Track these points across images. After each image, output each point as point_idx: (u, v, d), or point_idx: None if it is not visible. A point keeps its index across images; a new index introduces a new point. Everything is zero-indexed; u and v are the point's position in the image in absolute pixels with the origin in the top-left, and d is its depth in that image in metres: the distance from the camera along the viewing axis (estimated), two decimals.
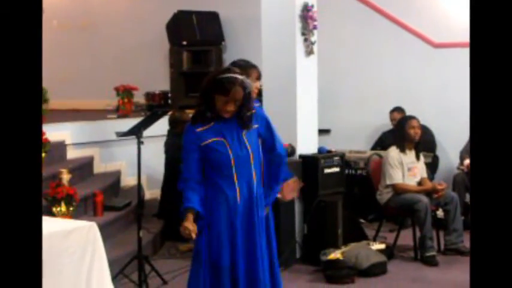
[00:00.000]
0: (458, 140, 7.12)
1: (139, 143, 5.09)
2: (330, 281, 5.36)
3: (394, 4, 8.20)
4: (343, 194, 6.13)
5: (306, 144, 6.08)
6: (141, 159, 5.12)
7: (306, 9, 5.93)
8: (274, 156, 3.73)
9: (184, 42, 8.86)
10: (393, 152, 6.13)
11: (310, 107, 6.14)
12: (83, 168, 6.72)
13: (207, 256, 3.57)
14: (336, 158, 6.15)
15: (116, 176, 7.22)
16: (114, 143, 7.20)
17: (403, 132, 6.18)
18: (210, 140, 3.54)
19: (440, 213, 6.26)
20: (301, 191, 5.81)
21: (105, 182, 6.69)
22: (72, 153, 6.89)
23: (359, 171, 7.42)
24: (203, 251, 3.58)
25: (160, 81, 9.09)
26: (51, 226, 3.59)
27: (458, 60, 7.38)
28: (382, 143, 7.76)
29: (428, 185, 6.18)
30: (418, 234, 5.94)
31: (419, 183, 6.19)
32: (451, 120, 7.67)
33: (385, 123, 7.94)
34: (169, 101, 8.69)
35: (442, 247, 6.13)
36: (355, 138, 8.21)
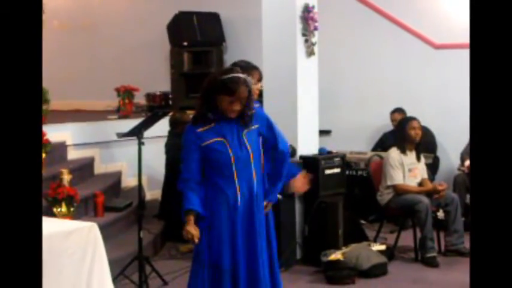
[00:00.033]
0: (459, 141, 7.12)
1: (140, 143, 5.09)
2: (331, 281, 5.36)
3: (394, 5, 8.20)
4: (343, 195, 6.13)
5: (307, 145, 6.08)
6: (141, 159, 5.12)
7: (307, 10, 5.93)
8: (277, 154, 3.76)
9: (185, 43, 8.85)
10: (394, 152, 6.13)
11: (310, 107, 6.14)
12: (84, 169, 6.72)
13: (208, 257, 3.58)
14: (337, 159, 6.15)
15: (117, 176, 7.22)
16: (114, 144, 7.20)
17: (404, 133, 6.18)
18: (210, 141, 3.55)
19: (440, 214, 6.25)
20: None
21: (105, 183, 6.69)
22: (72, 154, 6.89)
23: (360, 172, 7.42)
24: (203, 252, 3.58)
25: (161, 82, 9.09)
26: (51, 227, 3.59)
27: (459, 61, 7.38)
28: (383, 144, 7.76)
29: (429, 185, 6.17)
30: (418, 235, 5.94)
31: (420, 184, 6.19)
32: (451, 121, 7.67)
33: (385, 124, 7.94)
34: (170, 102, 8.70)
35: (443, 248, 6.12)
36: (355, 139, 8.21)
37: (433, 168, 7.36)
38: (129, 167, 7.30)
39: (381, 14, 8.24)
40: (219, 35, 9.07)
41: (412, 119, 6.29)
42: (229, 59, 8.73)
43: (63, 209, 5.27)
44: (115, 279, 4.54)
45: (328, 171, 6.01)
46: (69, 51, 10.17)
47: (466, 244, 5.93)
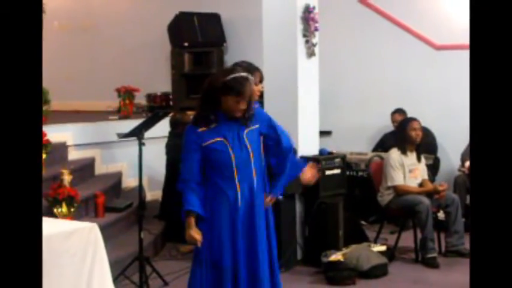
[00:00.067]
0: (460, 141, 7.11)
1: (141, 144, 5.09)
2: (331, 282, 5.36)
3: (395, 6, 8.20)
4: (344, 196, 6.13)
5: (307, 145, 6.07)
6: (142, 160, 5.12)
7: (308, 10, 5.93)
8: (281, 149, 3.77)
9: (186, 44, 8.86)
10: (394, 153, 6.13)
11: (311, 108, 6.14)
12: (84, 169, 6.72)
13: (208, 256, 3.58)
14: (337, 159, 6.15)
15: (117, 177, 7.22)
16: (115, 144, 7.20)
17: (404, 134, 6.17)
18: (211, 141, 3.56)
19: (441, 215, 6.25)
20: (302, 193, 5.88)
21: (106, 183, 6.70)
22: (73, 155, 6.89)
23: (360, 173, 7.42)
24: (204, 252, 3.59)
25: (161, 82, 9.10)
26: (52, 227, 3.59)
27: (460, 62, 7.37)
28: (384, 144, 7.76)
29: (430, 186, 6.17)
30: (419, 236, 5.93)
31: (421, 185, 6.18)
32: (452, 122, 7.67)
33: (386, 125, 7.94)
34: (171, 103, 8.70)
35: (443, 249, 6.12)
36: (356, 140, 8.21)
37: (433, 169, 7.36)
38: (130, 168, 7.30)
39: (382, 15, 8.24)
40: (219, 36, 9.07)
41: (413, 119, 6.29)
42: (229, 59, 8.73)
43: (64, 209, 5.27)
44: (115, 280, 4.54)
45: (328, 172, 6.01)
46: (70, 52, 10.19)
47: (467, 245, 5.93)
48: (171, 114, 6.81)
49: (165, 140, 6.86)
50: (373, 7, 8.28)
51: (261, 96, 5.38)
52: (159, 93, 8.76)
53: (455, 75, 7.65)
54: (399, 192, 6.04)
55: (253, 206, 3.60)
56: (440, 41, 7.93)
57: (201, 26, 8.94)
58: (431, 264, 5.79)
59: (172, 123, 6.82)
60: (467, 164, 6.86)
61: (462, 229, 6.05)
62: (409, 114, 7.26)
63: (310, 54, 6.02)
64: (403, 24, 8.13)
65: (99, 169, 7.16)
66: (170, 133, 6.86)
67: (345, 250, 5.63)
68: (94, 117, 7.94)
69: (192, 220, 3.58)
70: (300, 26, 5.94)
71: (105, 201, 5.99)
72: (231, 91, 3.49)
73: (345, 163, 6.31)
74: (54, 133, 6.12)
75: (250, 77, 3.59)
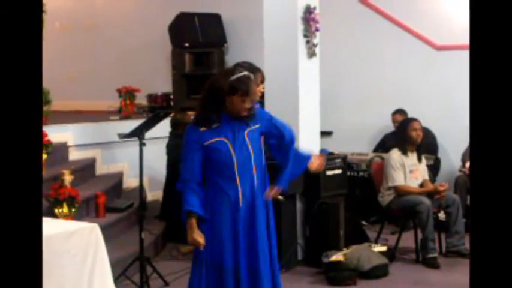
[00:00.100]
0: (460, 142, 7.10)
1: (142, 144, 5.10)
2: (332, 283, 5.36)
3: (396, 6, 8.20)
4: (345, 196, 6.13)
5: (308, 146, 6.04)
6: (143, 160, 5.12)
7: (308, 11, 5.93)
8: (284, 142, 3.79)
9: (187, 44, 8.86)
10: (395, 154, 6.13)
11: (312, 109, 6.14)
12: (85, 170, 6.73)
13: (208, 257, 3.58)
14: (338, 160, 6.14)
15: (118, 177, 7.23)
16: (116, 145, 7.21)
17: (405, 134, 6.18)
18: (212, 140, 3.56)
19: (442, 215, 6.25)
20: (303, 193, 5.88)
21: (107, 184, 6.70)
22: (74, 155, 6.90)
23: (361, 173, 7.42)
24: (204, 252, 3.59)
25: (162, 83, 9.10)
26: (53, 227, 3.60)
27: (460, 63, 7.37)
28: (384, 145, 7.76)
29: (430, 186, 6.17)
30: (419, 236, 5.94)
31: (421, 185, 6.18)
32: (453, 123, 7.66)
33: (387, 125, 7.94)
34: (172, 103, 8.71)
35: (444, 249, 6.12)
36: (357, 140, 8.20)
37: (434, 169, 7.36)
38: (131, 168, 7.31)
39: (382, 15, 8.24)
40: (220, 36, 9.08)
41: (414, 120, 6.29)
42: (230, 60, 8.73)
43: (65, 209, 5.28)
44: (116, 280, 4.55)
45: (329, 172, 6.00)
46: (71, 52, 10.19)
47: (467, 245, 5.93)
48: (171, 115, 6.81)
49: (166, 140, 6.86)
50: (374, 7, 8.28)
51: (262, 96, 5.38)
52: (159, 94, 8.77)
53: (456, 75, 7.65)
54: (400, 192, 6.04)
55: (254, 206, 3.59)
56: (441, 41, 7.93)
57: (202, 26, 8.94)
58: (432, 264, 5.79)
59: (173, 124, 6.82)
60: (468, 164, 6.86)
61: (463, 229, 6.05)
62: (410, 115, 7.26)
63: (311, 54, 6.02)
64: (403, 24, 8.13)
65: (100, 169, 7.16)
66: (171, 133, 6.86)
67: (345, 250, 5.63)
68: (95, 118, 7.95)
69: (194, 222, 3.57)
70: (300, 27, 5.93)
71: (106, 202, 5.99)
72: (238, 91, 3.51)
73: (346, 163, 6.30)
74: (55, 133, 6.12)
75: (251, 75, 3.63)
